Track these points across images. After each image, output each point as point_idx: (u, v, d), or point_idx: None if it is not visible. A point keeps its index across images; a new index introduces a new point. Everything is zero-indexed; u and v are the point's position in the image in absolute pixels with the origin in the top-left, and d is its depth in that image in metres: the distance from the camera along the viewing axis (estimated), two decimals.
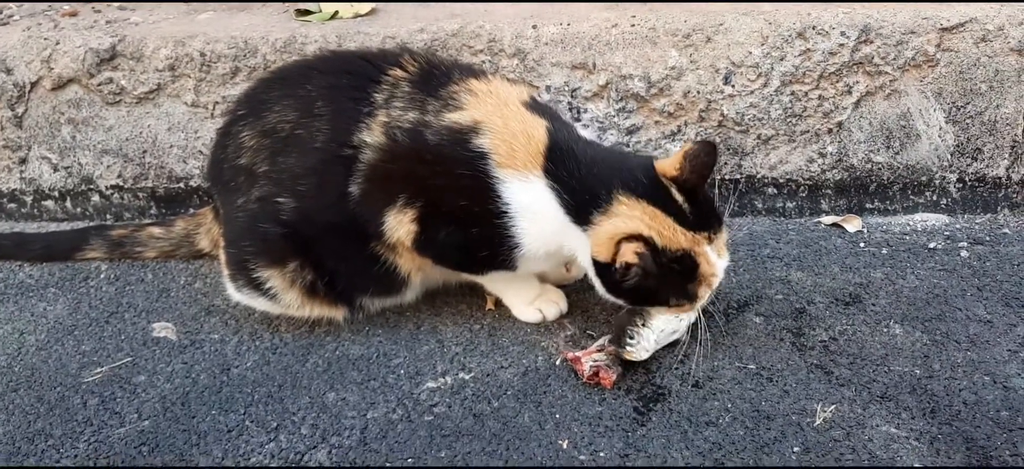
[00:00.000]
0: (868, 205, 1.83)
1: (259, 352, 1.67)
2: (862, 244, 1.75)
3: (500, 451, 1.38)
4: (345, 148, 1.53)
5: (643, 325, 1.48)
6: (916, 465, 1.25)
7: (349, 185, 1.53)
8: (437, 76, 1.56)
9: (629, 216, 1.39)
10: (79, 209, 2.21)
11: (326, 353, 1.64)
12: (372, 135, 1.51)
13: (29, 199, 2.19)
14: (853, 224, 1.79)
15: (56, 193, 2.17)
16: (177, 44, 2.03)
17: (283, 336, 1.70)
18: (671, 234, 1.38)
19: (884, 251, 1.72)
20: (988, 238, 1.73)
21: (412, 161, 1.50)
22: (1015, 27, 1.68)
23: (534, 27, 1.87)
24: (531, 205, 1.45)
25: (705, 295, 1.44)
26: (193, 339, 1.73)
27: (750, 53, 1.75)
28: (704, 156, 1.41)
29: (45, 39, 2.10)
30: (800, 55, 1.73)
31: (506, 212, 1.46)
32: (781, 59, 1.74)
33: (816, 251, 1.75)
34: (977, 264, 1.66)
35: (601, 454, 1.34)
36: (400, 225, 1.52)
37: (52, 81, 2.10)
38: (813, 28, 1.73)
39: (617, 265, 1.37)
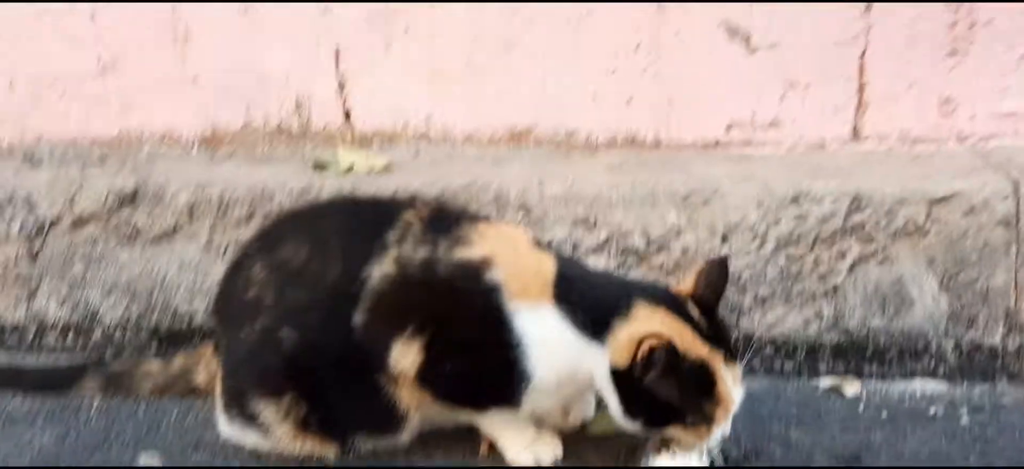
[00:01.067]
0: (866, 369, 1.83)
1: None
2: (861, 407, 1.74)
3: None
4: (354, 283, 1.56)
5: None
6: None
7: (355, 315, 1.55)
8: (447, 219, 1.61)
9: (650, 319, 1.40)
10: (80, 343, 2.22)
11: None
12: (382, 268, 1.55)
13: (31, 332, 2.20)
14: (852, 387, 1.78)
15: (59, 326, 2.19)
16: (198, 187, 2.12)
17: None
18: (690, 341, 1.39)
19: (883, 414, 1.70)
20: (988, 406, 1.72)
21: (423, 291, 1.52)
22: (1000, 201, 1.75)
23: (540, 183, 1.96)
24: (544, 334, 1.46)
25: (722, 420, 1.42)
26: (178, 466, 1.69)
27: (746, 216, 1.82)
28: (718, 272, 1.47)
29: (71, 180, 2.20)
30: (795, 219, 1.80)
31: (519, 344, 1.47)
32: (776, 222, 1.81)
33: (815, 411, 1.73)
34: (978, 431, 1.64)
35: None
36: (406, 355, 1.51)
37: (72, 218, 2.17)
38: (807, 195, 1.80)
39: (638, 359, 1.36)
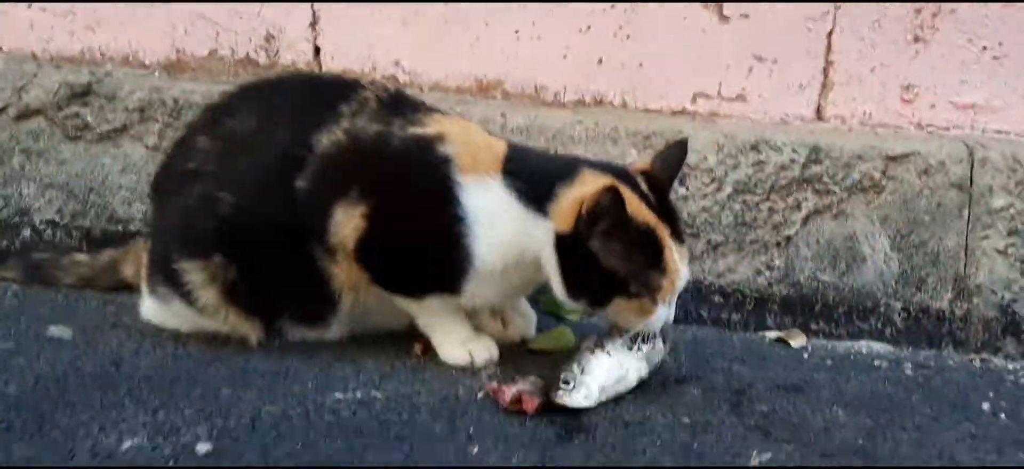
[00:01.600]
0: (814, 325, 1.79)
1: (158, 356, 1.53)
2: (805, 356, 1.69)
3: (404, 449, 1.23)
4: (301, 149, 1.51)
5: (582, 372, 1.38)
6: None
7: (297, 180, 1.49)
8: (404, 103, 1.58)
9: (595, 184, 1.35)
10: (6, 242, 2.12)
11: (231, 364, 1.50)
12: (332, 136, 1.50)
13: None
14: (797, 340, 1.74)
15: None
16: (153, 90, 2.07)
17: (189, 348, 1.57)
18: (637, 207, 1.35)
19: (828, 362, 1.66)
20: (933, 364, 1.68)
21: (372, 156, 1.48)
22: (955, 164, 1.75)
23: (503, 115, 1.93)
24: (490, 208, 1.41)
25: (668, 296, 1.37)
26: (89, 340, 1.59)
27: (706, 158, 1.80)
28: (675, 153, 1.45)
29: (24, 72, 2.13)
30: (753, 166, 1.79)
31: (464, 219, 1.42)
32: (735, 167, 1.79)
33: (759, 355, 1.68)
34: (922, 380, 1.60)
35: (514, 462, 1.20)
36: (348, 220, 1.45)
37: (18, 110, 2.10)
38: (766, 142, 1.80)
39: (583, 213, 1.31)
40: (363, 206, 1.45)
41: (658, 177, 1.43)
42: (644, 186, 1.40)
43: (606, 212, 1.30)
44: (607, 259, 1.34)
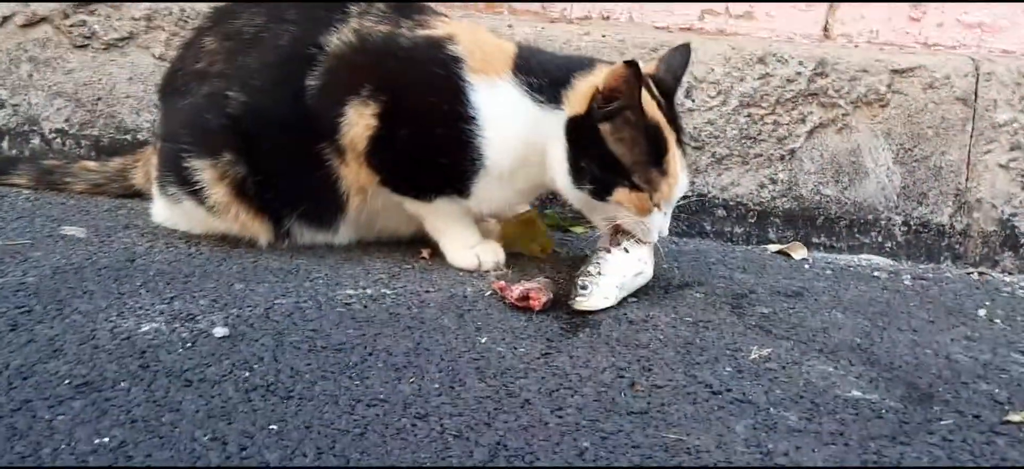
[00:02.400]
0: (815, 239, 1.82)
1: (171, 253, 1.56)
2: (806, 266, 1.73)
3: (413, 337, 1.26)
4: (310, 47, 1.51)
5: (598, 273, 1.41)
6: (855, 393, 1.16)
7: (308, 78, 1.50)
8: (411, 7, 1.58)
9: (610, 72, 1.37)
10: (15, 150, 2.13)
11: (243, 262, 1.54)
12: (341, 36, 1.51)
13: None
14: (798, 252, 1.77)
15: None
16: None
17: (201, 247, 1.60)
18: (649, 102, 1.38)
19: (828, 272, 1.69)
20: (932, 276, 1.72)
21: (383, 55, 1.49)
22: (961, 78, 1.76)
23: (510, 26, 1.93)
24: (499, 107, 1.43)
25: (667, 196, 1.39)
26: (103, 239, 1.62)
27: (712, 70, 1.81)
28: (680, 57, 1.47)
29: None
30: (759, 79, 1.80)
31: (474, 118, 1.43)
32: (741, 80, 1.80)
33: (760, 264, 1.71)
34: (920, 289, 1.63)
35: (520, 351, 1.24)
36: (359, 119, 1.47)
37: (25, 17, 2.09)
38: (773, 55, 1.80)
39: (601, 89, 1.34)
40: (374, 105, 1.46)
41: (664, 81, 1.45)
42: (654, 89, 1.42)
43: (623, 88, 1.33)
44: (615, 145, 1.36)
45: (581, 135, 1.37)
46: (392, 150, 1.48)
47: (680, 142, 1.41)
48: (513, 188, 1.51)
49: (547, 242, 1.65)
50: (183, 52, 1.69)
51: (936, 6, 1.97)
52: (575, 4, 2.14)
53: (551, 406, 1.08)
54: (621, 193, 1.38)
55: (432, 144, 1.46)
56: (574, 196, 1.43)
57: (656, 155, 1.37)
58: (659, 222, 1.41)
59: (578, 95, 1.39)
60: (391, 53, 1.48)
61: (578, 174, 1.39)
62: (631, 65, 1.31)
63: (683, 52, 1.48)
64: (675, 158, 1.38)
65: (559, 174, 1.41)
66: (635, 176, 1.37)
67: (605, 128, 1.35)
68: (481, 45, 1.48)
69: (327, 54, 1.49)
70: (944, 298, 1.59)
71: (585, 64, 1.43)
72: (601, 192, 1.39)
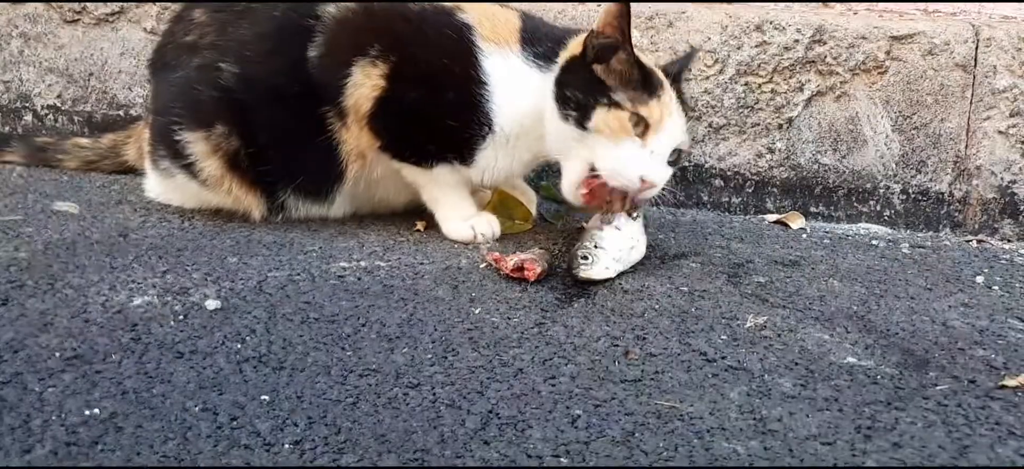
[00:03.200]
0: (813, 208, 1.81)
1: (164, 228, 1.55)
2: (804, 236, 1.72)
3: (407, 308, 1.25)
4: (308, 18, 1.50)
5: (596, 247, 1.40)
6: (850, 359, 1.16)
7: (308, 50, 1.48)
8: None
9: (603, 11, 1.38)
10: (8, 127, 2.12)
11: (236, 236, 1.53)
12: (339, 7, 1.50)
13: None
14: (796, 221, 1.76)
15: None
16: None
17: (194, 221, 1.59)
18: (647, 58, 1.41)
19: (826, 241, 1.68)
20: (930, 244, 1.71)
21: (392, 17, 1.49)
22: (960, 44, 1.74)
23: None
24: (509, 76, 1.45)
25: (658, 115, 1.36)
26: (95, 214, 1.61)
27: (709, 39, 1.79)
28: (685, 57, 1.58)
29: None
30: (756, 47, 1.78)
31: (486, 83, 1.44)
32: (738, 48, 1.78)
33: (758, 234, 1.70)
34: (918, 257, 1.62)
35: (514, 321, 1.23)
36: (366, 80, 1.46)
37: None
38: (770, 23, 1.78)
39: (595, 28, 1.35)
40: (383, 66, 1.46)
41: (669, 68, 1.47)
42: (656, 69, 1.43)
43: (615, 24, 1.33)
44: (605, 76, 1.36)
45: (572, 70, 1.39)
46: (398, 113, 1.47)
47: (681, 103, 1.41)
48: (515, 157, 1.50)
49: (526, 211, 1.63)
50: (173, 25, 1.67)
51: None
52: None
53: (544, 375, 1.07)
54: (599, 114, 1.35)
55: (442, 106, 1.46)
56: (558, 133, 1.40)
57: (647, 85, 1.37)
58: (643, 160, 1.36)
59: (574, 44, 1.42)
60: (401, 15, 1.49)
61: (563, 103, 1.38)
62: (622, 3, 1.33)
63: (689, 54, 1.57)
64: (671, 99, 1.38)
65: (549, 116, 1.41)
66: (615, 94, 1.35)
67: (598, 68, 1.36)
68: (489, 14, 1.49)
69: (326, 23, 1.48)
70: (942, 266, 1.58)
71: (581, 30, 1.43)
72: (582, 118, 1.36)
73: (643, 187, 1.37)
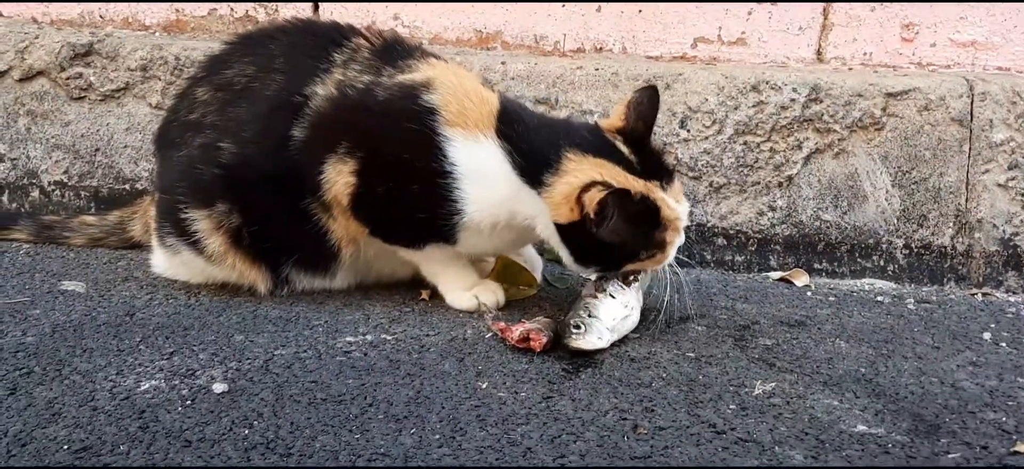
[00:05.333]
0: (816, 265, 1.81)
1: (171, 306, 1.56)
2: (809, 293, 1.71)
3: (414, 384, 1.25)
4: (296, 96, 1.52)
5: (589, 315, 1.40)
6: (861, 427, 1.15)
7: (293, 129, 1.50)
8: (398, 51, 1.58)
9: (578, 171, 1.36)
10: (15, 204, 2.14)
11: (243, 312, 1.53)
12: (324, 88, 1.51)
13: None
14: (801, 279, 1.76)
15: None
16: (154, 48, 2.07)
17: (201, 298, 1.60)
18: (623, 180, 1.35)
19: (831, 299, 1.68)
20: (935, 299, 1.71)
21: (358, 111, 1.48)
22: (955, 99, 1.76)
23: (503, 63, 1.94)
24: (479, 167, 1.41)
25: (674, 240, 1.39)
26: (102, 293, 1.62)
27: (706, 100, 1.81)
28: (647, 102, 1.43)
29: (26, 32, 2.14)
30: (754, 107, 1.79)
31: (450, 173, 1.42)
32: (735, 108, 1.80)
33: (763, 293, 1.70)
34: (924, 313, 1.62)
35: (521, 396, 1.23)
36: (339, 176, 1.46)
37: (21, 72, 2.11)
38: (767, 82, 1.80)
39: (591, 214, 1.32)
40: (352, 162, 1.46)
41: (635, 130, 1.42)
42: (624, 148, 1.40)
43: (612, 212, 1.32)
44: (612, 237, 1.35)
45: (574, 234, 1.37)
46: (375, 205, 1.47)
47: (666, 181, 1.39)
48: (500, 239, 1.50)
49: (530, 277, 1.64)
50: (177, 103, 1.70)
51: (929, 26, 1.97)
52: (567, 37, 2.15)
53: (553, 454, 1.07)
54: (632, 266, 1.41)
55: (409, 199, 1.44)
56: (584, 272, 1.46)
57: (652, 223, 1.37)
58: (677, 246, 1.43)
59: (557, 201, 1.36)
60: (366, 107, 1.46)
61: (582, 258, 1.41)
62: (617, 194, 1.31)
63: (651, 95, 1.44)
64: (668, 204, 1.37)
65: (561, 253, 1.42)
66: (641, 253, 1.39)
67: (600, 234, 1.34)
68: (461, 95, 1.45)
69: (311, 107, 1.49)
70: (948, 322, 1.57)
71: (554, 153, 1.38)
72: (610, 269, 1.42)
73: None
